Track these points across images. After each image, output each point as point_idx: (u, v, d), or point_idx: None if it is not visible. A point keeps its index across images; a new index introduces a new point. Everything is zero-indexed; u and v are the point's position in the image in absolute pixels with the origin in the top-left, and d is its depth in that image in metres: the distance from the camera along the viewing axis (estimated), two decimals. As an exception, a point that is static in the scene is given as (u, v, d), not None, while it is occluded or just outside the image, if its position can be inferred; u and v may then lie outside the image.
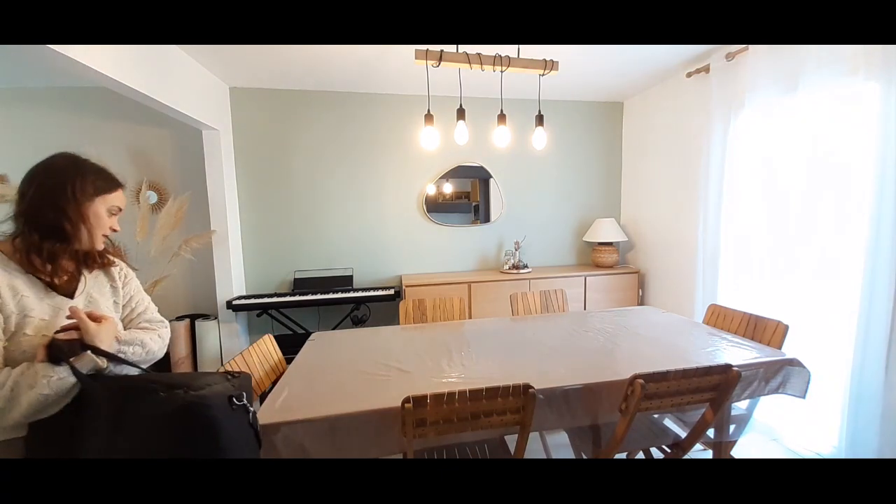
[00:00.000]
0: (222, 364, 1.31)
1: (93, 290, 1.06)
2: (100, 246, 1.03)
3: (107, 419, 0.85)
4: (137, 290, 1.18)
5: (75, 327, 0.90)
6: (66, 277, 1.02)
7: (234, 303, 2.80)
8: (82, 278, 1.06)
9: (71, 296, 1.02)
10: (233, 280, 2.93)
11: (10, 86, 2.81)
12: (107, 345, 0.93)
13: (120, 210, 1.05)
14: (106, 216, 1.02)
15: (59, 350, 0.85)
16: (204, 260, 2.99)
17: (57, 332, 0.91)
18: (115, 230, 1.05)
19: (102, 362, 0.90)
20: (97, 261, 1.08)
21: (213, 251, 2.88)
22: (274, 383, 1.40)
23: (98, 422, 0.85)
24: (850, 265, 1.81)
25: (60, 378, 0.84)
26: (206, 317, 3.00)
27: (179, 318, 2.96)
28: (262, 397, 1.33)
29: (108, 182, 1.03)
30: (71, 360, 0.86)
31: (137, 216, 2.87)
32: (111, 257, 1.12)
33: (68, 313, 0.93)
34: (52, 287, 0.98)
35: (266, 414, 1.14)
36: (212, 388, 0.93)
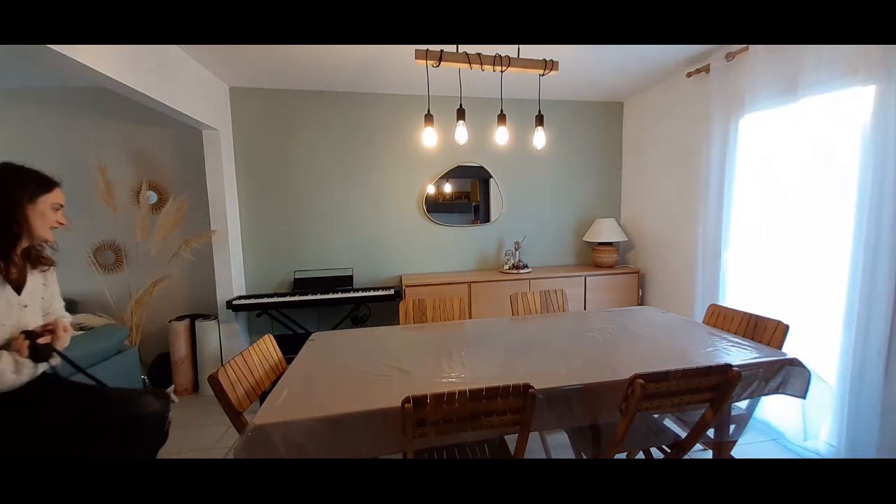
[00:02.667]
0: (222, 364, 1.31)
1: (33, 287, 1.20)
2: (50, 237, 1.19)
3: (53, 415, 1.11)
4: (56, 289, 1.34)
5: (49, 331, 1.13)
6: (16, 274, 1.15)
7: (234, 303, 2.80)
8: (29, 276, 1.20)
9: (19, 291, 1.15)
10: (233, 280, 2.93)
11: (10, 86, 2.81)
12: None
13: (61, 206, 1.20)
14: (51, 213, 1.16)
15: (40, 351, 1.08)
16: (204, 260, 2.98)
17: (31, 332, 1.10)
18: (61, 223, 1.20)
19: (57, 362, 1.14)
20: (42, 263, 1.24)
21: (213, 251, 2.88)
22: (274, 383, 1.39)
23: (42, 414, 1.11)
24: (850, 265, 1.81)
25: (31, 372, 1.08)
26: (206, 317, 3.00)
27: (179, 318, 2.97)
28: (262, 397, 1.33)
29: (47, 184, 1.16)
30: (49, 360, 1.10)
31: (137, 216, 2.87)
32: (51, 260, 1.29)
33: (24, 304, 1.14)
34: (8, 281, 1.12)
35: (266, 414, 1.14)
36: (152, 406, 1.22)
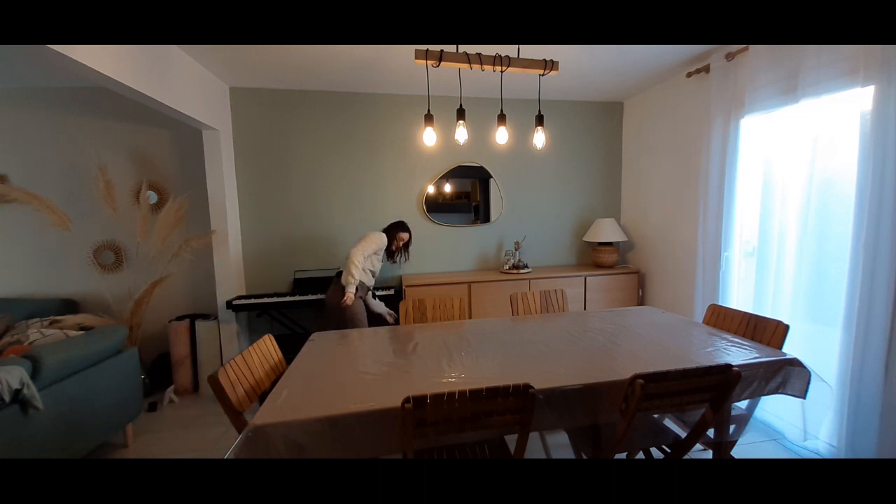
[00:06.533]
0: (222, 364, 1.31)
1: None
2: (394, 249, 2.74)
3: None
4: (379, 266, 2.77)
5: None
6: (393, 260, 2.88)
7: (234, 303, 2.80)
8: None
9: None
10: (233, 280, 2.93)
11: (10, 86, 2.81)
12: None
13: (403, 238, 2.74)
14: (398, 240, 2.68)
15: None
16: (204, 260, 2.99)
17: None
18: (398, 247, 2.76)
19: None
20: (393, 258, 2.87)
21: (213, 251, 2.88)
22: (274, 383, 1.39)
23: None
24: (850, 265, 1.81)
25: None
26: (205, 317, 3.00)
27: (179, 319, 2.96)
28: (262, 397, 1.33)
29: (406, 229, 2.72)
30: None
31: (137, 216, 2.87)
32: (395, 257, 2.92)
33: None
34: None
35: (266, 414, 1.14)
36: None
